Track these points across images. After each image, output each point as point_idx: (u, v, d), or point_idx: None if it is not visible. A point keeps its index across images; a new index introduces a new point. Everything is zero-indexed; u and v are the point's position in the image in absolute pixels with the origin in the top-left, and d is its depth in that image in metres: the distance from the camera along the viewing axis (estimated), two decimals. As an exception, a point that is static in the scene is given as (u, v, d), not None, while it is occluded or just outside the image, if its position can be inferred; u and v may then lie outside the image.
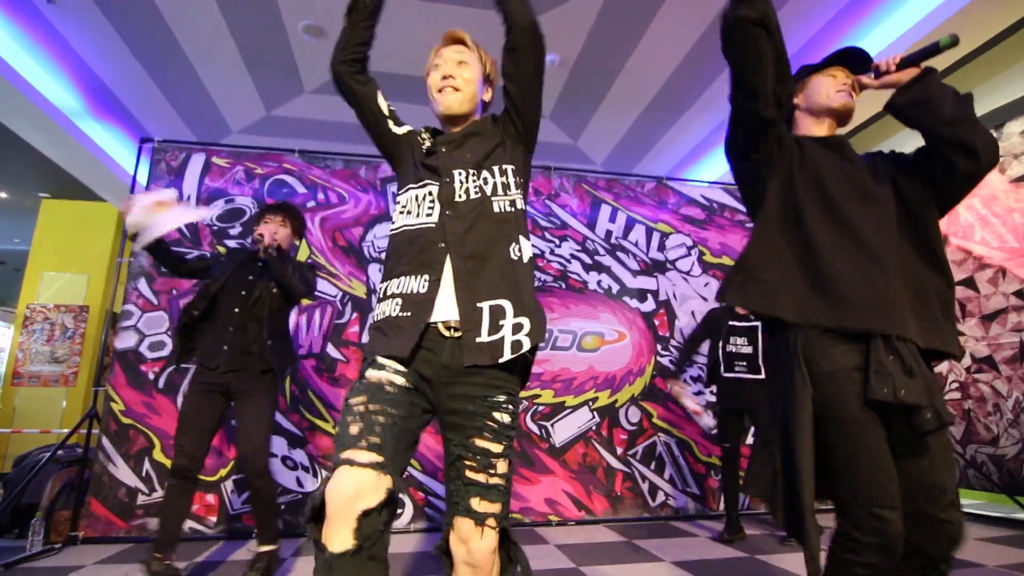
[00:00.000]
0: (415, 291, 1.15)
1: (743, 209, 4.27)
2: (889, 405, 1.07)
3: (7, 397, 5.89)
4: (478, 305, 1.13)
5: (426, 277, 1.16)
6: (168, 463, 3.13)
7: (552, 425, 3.64)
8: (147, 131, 5.19)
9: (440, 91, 1.34)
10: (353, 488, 0.96)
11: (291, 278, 2.36)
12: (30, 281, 6.14)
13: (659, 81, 4.65)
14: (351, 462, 0.99)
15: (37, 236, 6.29)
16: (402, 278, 1.19)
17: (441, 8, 3.88)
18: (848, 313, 1.13)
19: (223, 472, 3.21)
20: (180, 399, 3.18)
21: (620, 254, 4.03)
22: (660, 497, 3.68)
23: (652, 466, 3.73)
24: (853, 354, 1.12)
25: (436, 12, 3.91)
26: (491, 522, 1.06)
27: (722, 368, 3.19)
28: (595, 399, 3.74)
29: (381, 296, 1.23)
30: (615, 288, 3.96)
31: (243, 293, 2.38)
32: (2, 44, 3.94)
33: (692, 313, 4.01)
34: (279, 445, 3.29)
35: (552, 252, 3.93)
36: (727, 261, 4.15)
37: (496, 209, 1.22)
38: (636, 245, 4.07)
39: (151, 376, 3.26)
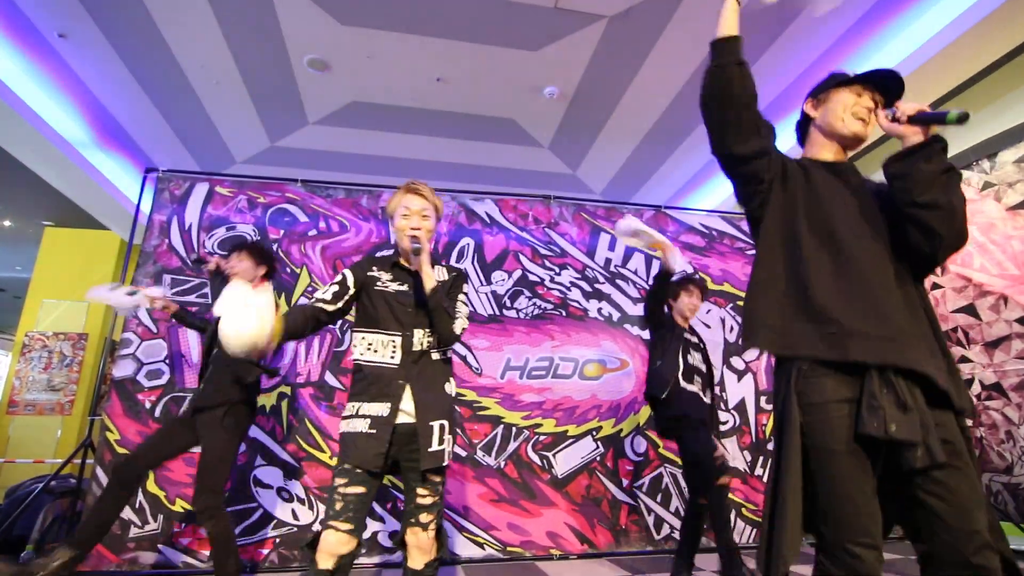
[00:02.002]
0: (380, 415, 1.67)
1: (743, 237, 4.30)
2: (870, 440, 1.05)
3: (1, 426, 5.82)
4: (430, 424, 1.68)
5: (388, 405, 1.68)
6: (162, 494, 3.08)
7: (554, 455, 3.58)
8: (152, 161, 5.27)
9: (405, 235, 1.78)
10: (335, 543, 1.57)
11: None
12: (30, 309, 6.14)
13: (657, 111, 4.74)
14: (335, 528, 1.57)
15: (39, 264, 6.32)
16: (370, 404, 1.70)
17: (439, 43, 3.98)
18: (841, 345, 1.11)
19: (218, 504, 3.14)
20: (176, 429, 3.14)
21: (620, 282, 4.03)
22: (665, 530, 3.59)
23: (658, 498, 3.65)
24: (846, 387, 1.10)
25: (434, 47, 4.01)
26: (432, 524, 1.67)
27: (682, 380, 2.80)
28: (599, 428, 3.69)
29: (354, 414, 1.70)
30: (616, 316, 3.95)
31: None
32: (12, 76, 4.03)
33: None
34: (275, 476, 3.23)
35: (552, 280, 3.93)
36: (728, 288, 4.15)
37: (434, 358, 1.78)
38: (636, 273, 4.07)
39: (147, 405, 3.23)
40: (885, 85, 1.34)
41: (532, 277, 3.90)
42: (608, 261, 4.06)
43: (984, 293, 3.64)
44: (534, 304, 3.85)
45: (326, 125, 4.97)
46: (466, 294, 1.88)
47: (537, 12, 3.68)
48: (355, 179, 4.61)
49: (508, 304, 3.81)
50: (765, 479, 3.77)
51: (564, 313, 3.88)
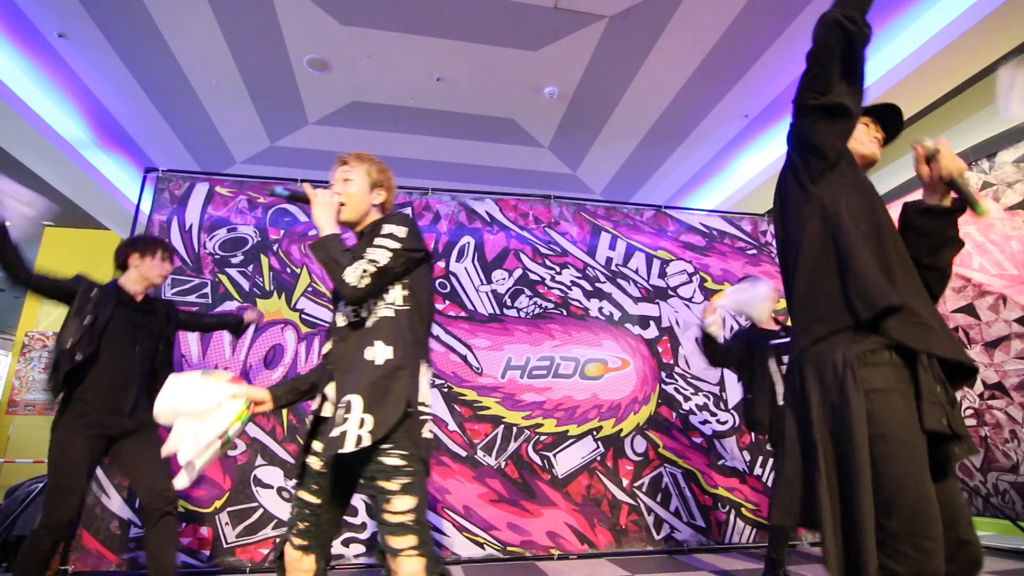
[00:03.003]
0: (313, 408, 1.46)
1: (743, 237, 4.30)
2: (933, 435, 1.04)
3: (1, 426, 5.82)
4: (338, 406, 1.34)
5: (320, 398, 1.45)
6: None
7: (554, 456, 3.58)
8: (152, 161, 5.27)
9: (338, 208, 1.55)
10: (290, 560, 1.36)
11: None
12: (30, 308, 6.13)
13: (657, 111, 4.75)
14: (290, 543, 1.36)
15: (39, 264, 6.30)
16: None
17: (439, 43, 3.98)
18: (924, 336, 1.10)
19: (218, 503, 3.15)
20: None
21: (621, 281, 4.03)
22: (665, 530, 3.59)
23: (658, 498, 3.65)
24: (902, 379, 1.08)
25: (434, 47, 4.01)
26: (407, 552, 1.25)
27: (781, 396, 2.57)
28: (599, 428, 3.69)
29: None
30: (616, 315, 3.95)
31: (138, 332, 2.33)
32: (12, 76, 4.03)
33: (696, 340, 3.99)
34: (275, 476, 3.23)
35: (553, 279, 3.93)
36: (729, 287, 4.15)
37: (368, 325, 1.43)
38: (636, 272, 4.08)
39: (148, 405, 3.22)
40: (886, 116, 1.42)
41: (533, 276, 3.90)
42: (609, 260, 4.07)
43: (983, 293, 3.65)
44: (535, 303, 3.85)
45: (326, 125, 4.97)
46: (392, 236, 1.41)
47: (537, 12, 3.68)
48: (355, 179, 4.62)
49: (509, 303, 3.81)
50: (767, 478, 3.77)
51: (565, 312, 3.88)
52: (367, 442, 1.26)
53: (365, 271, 1.34)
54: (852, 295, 1.13)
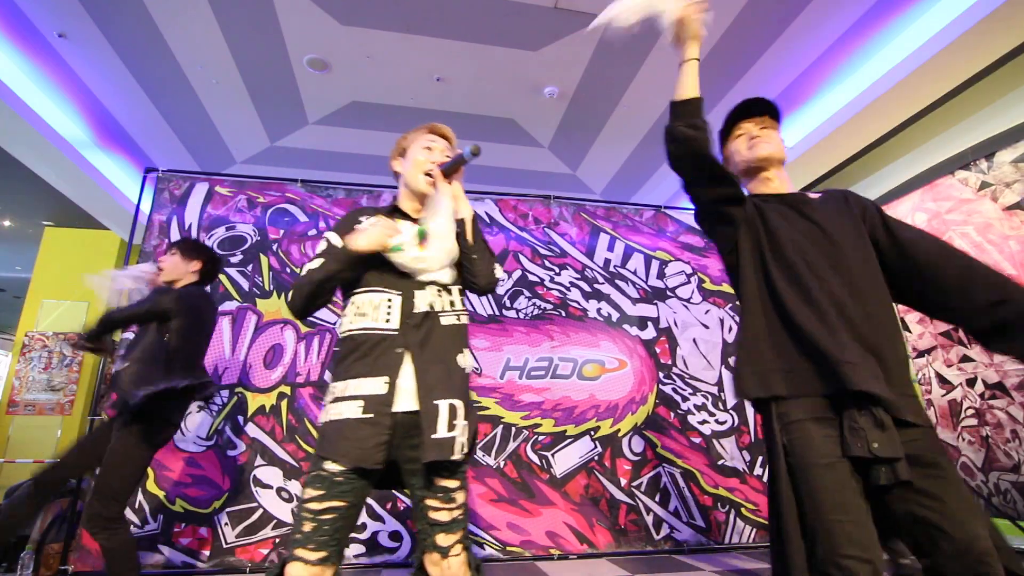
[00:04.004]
0: (375, 393, 1.27)
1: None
2: (866, 460, 1.07)
3: (1, 426, 5.83)
4: (435, 403, 1.27)
5: (385, 379, 1.28)
6: (162, 494, 3.08)
7: (553, 455, 3.58)
8: (152, 161, 5.27)
9: (423, 172, 1.47)
10: None
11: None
12: (30, 308, 6.14)
13: (657, 111, 4.75)
14: (303, 560, 1.16)
15: (39, 264, 6.32)
16: (361, 380, 1.29)
17: (439, 43, 3.98)
18: (814, 381, 1.14)
19: (217, 504, 3.15)
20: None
21: (619, 282, 4.03)
22: (665, 530, 3.60)
23: (657, 498, 3.66)
24: (821, 408, 1.13)
25: (434, 47, 4.01)
26: (455, 549, 1.24)
27: None
28: (597, 428, 3.70)
29: (341, 395, 1.30)
30: (615, 316, 3.96)
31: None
32: (12, 76, 4.03)
33: (694, 341, 3.99)
34: (275, 476, 3.24)
35: (552, 280, 3.94)
36: (727, 289, 4.15)
37: (444, 323, 1.38)
38: (635, 273, 4.08)
39: (148, 405, 3.23)
40: (757, 108, 1.43)
41: (532, 277, 3.90)
42: (607, 261, 4.07)
43: (983, 293, 3.65)
44: (534, 304, 3.85)
45: (326, 125, 4.97)
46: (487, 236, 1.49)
47: (537, 12, 3.68)
48: (355, 179, 4.61)
49: (508, 304, 3.82)
50: (767, 478, 3.78)
51: (563, 313, 3.88)
52: (466, 451, 1.28)
53: (501, 271, 1.42)
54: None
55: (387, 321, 1.32)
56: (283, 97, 4.57)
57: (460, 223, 1.42)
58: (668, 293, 4.07)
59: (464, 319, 1.43)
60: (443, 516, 1.25)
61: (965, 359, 3.75)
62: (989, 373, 3.60)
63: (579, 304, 3.93)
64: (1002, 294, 1.15)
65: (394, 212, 1.50)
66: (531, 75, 4.33)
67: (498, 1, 3.60)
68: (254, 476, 3.23)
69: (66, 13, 3.63)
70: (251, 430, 3.29)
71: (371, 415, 1.24)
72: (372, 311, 1.34)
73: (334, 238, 1.40)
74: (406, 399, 1.27)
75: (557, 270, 3.96)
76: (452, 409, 1.27)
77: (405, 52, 4.06)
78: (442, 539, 1.24)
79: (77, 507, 3.02)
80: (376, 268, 1.37)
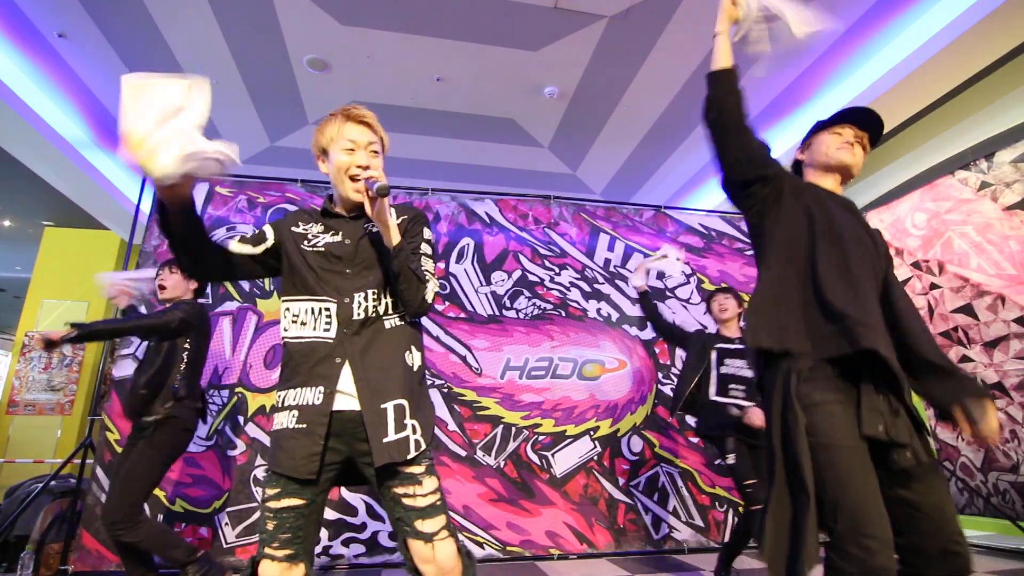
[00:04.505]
0: (311, 403, 1.26)
1: (742, 237, 4.30)
2: (879, 445, 1.12)
3: (1, 426, 5.83)
4: (381, 406, 1.26)
5: (321, 389, 1.27)
6: (162, 494, 3.08)
7: (553, 455, 3.58)
8: (152, 161, 5.26)
9: (352, 179, 1.36)
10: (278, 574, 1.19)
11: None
12: (30, 308, 6.14)
13: (657, 111, 4.75)
14: (271, 557, 1.19)
15: (39, 264, 6.32)
16: (298, 389, 1.29)
17: (439, 43, 3.98)
18: (830, 340, 1.19)
19: (217, 504, 3.15)
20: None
21: (619, 282, 4.04)
22: (664, 529, 3.60)
23: (655, 497, 3.66)
24: (842, 391, 1.17)
25: (434, 47, 4.01)
26: (441, 535, 1.23)
27: (714, 390, 2.83)
28: (596, 428, 3.70)
29: (279, 405, 1.31)
30: (615, 316, 3.96)
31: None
32: (12, 76, 4.03)
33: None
34: (276, 476, 3.23)
35: (552, 280, 3.94)
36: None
37: (388, 326, 1.35)
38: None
39: (148, 405, 3.23)
40: (864, 120, 1.45)
41: (532, 277, 3.90)
42: (607, 261, 4.07)
43: (982, 293, 3.65)
44: (534, 304, 3.86)
45: (326, 125, 4.97)
46: (429, 242, 1.42)
47: (537, 12, 3.68)
48: (355, 179, 4.61)
49: (508, 304, 3.82)
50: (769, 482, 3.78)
51: (563, 313, 3.89)
52: (423, 447, 1.28)
53: (435, 293, 1.36)
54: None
55: (325, 330, 1.31)
56: (283, 97, 4.58)
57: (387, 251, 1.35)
58: (667, 293, 4.07)
59: (406, 319, 1.39)
60: (417, 501, 1.24)
61: (964, 359, 3.75)
62: (988, 373, 3.60)
63: (579, 304, 3.93)
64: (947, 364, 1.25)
65: (325, 215, 1.44)
66: (531, 75, 4.33)
67: (498, 1, 3.61)
68: (254, 476, 3.23)
69: (66, 13, 3.63)
70: (251, 430, 3.30)
71: (304, 425, 1.25)
72: (310, 319, 1.32)
73: (268, 229, 1.42)
74: (348, 403, 1.27)
75: (557, 270, 3.96)
76: (399, 409, 1.27)
77: (405, 52, 4.06)
78: (421, 524, 1.22)
79: (77, 507, 3.02)
80: (312, 275, 1.34)
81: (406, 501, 1.24)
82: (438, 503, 1.26)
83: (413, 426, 1.27)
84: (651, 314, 3.09)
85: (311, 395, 1.26)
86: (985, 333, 3.62)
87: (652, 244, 4.17)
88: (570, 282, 3.96)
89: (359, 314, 1.32)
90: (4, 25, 3.73)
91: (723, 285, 3.65)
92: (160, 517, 3.07)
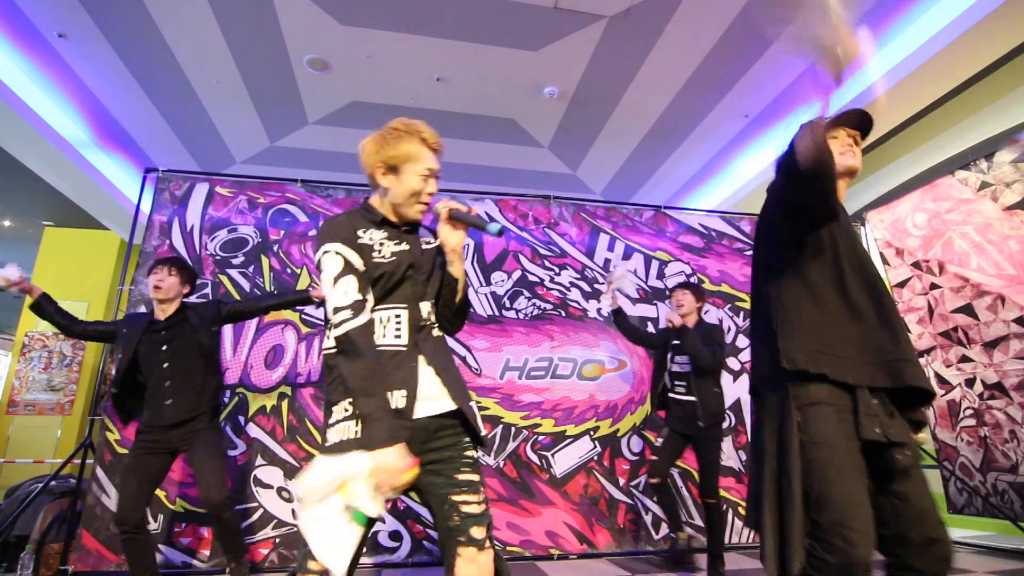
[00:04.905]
0: (394, 407, 1.24)
1: (741, 237, 4.30)
2: (871, 444, 1.18)
3: (1, 426, 5.83)
4: (469, 404, 1.34)
5: (403, 393, 1.26)
6: (163, 495, 3.08)
7: (553, 455, 3.58)
8: (152, 161, 5.27)
9: (419, 202, 1.38)
10: None
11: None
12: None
13: (657, 111, 4.75)
14: (312, 571, 1.15)
15: (39, 264, 6.32)
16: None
17: (439, 43, 3.98)
18: (846, 368, 1.24)
19: (218, 504, 3.15)
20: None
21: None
22: (663, 530, 3.60)
23: (655, 497, 3.65)
24: (837, 396, 1.23)
25: (434, 47, 4.01)
26: (487, 543, 1.25)
27: (670, 386, 3.09)
28: (596, 428, 3.70)
29: (346, 416, 1.26)
30: (615, 316, 3.96)
31: (164, 349, 2.52)
32: (12, 76, 4.03)
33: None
34: (275, 476, 3.24)
35: (552, 280, 3.94)
36: (726, 289, 4.16)
37: (436, 335, 1.39)
38: (635, 273, 4.08)
39: (148, 405, 3.23)
40: (856, 120, 1.46)
41: (532, 277, 3.90)
42: (607, 261, 4.07)
43: (982, 293, 3.65)
44: (533, 304, 3.86)
45: (326, 125, 4.97)
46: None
47: (537, 12, 3.68)
48: (355, 179, 4.60)
49: (507, 305, 3.82)
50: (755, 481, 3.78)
51: (563, 313, 3.89)
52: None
53: None
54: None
55: (396, 337, 1.30)
56: (283, 97, 4.57)
57: (454, 280, 1.38)
58: (667, 294, 4.07)
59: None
60: (474, 508, 1.25)
61: (964, 359, 3.75)
62: (988, 373, 3.60)
63: (579, 304, 3.93)
64: None
65: (385, 224, 1.38)
66: (531, 75, 4.33)
67: (498, 1, 3.61)
68: (255, 476, 3.23)
69: (66, 13, 3.63)
70: (252, 430, 3.30)
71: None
72: (380, 326, 1.30)
73: (351, 255, 1.29)
74: (428, 408, 1.27)
75: (557, 270, 3.96)
76: (474, 409, 1.35)
77: (405, 52, 4.06)
78: (476, 532, 1.23)
79: (77, 507, 3.02)
80: (384, 283, 1.31)
81: (464, 508, 1.24)
82: (487, 510, 1.29)
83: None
84: (625, 330, 3.37)
85: (393, 400, 1.24)
86: (985, 333, 3.62)
87: (652, 244, 4.17)
88: (570, 282, 3.96)
89: (425, 320, 1.35)
90: (4, 25, 3.73)
91: (682, 281, 3.67)
92: (161, 517, 3.07)
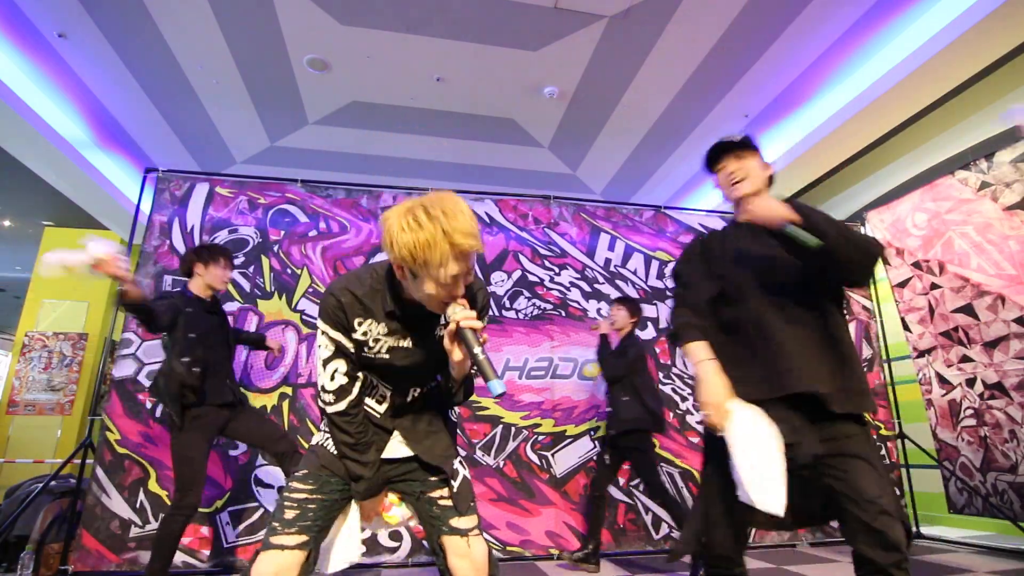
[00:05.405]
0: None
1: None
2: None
3: (1, 426, 5.83)
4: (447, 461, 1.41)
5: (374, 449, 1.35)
6: (163, 494, 3.08)
7: (553, 455, 3.58)
8: (152, 161, 5.27)
9: (442, 303, 1.18)
10: (277, 568, 1.18)
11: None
12: (30, 308, 6.14)
13: (656, 111, 4.75)
14: (281, 547, 1.19)
15: (39, 264, 6.32)
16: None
17: (439, 43, 3.98)
18: (746, 388, 1.36)
19: (219, 503, 3.15)
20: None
21: (619, 282, 4.04)
22: (664, 529, 3.60)
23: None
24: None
25: (434, 47, 4.01)
26: (474, 532, 1.30)
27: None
28: (596, 428, 3.70)
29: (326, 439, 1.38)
30: (615, 316, 3.95)
31: (221, 328, 2.64)
32: (12, 76, 4.03)
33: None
34: (275, 476, 3.24)
35: (552, 280, 3.94)
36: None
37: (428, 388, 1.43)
38: (635, 273, 4.08)
39: (148, 405, 3.23)
40: (731, 146, 1.51)
41: (532, 277, 3.90)
42: (608, 261, 4.07)
43: (982, 293, 3.65)
44: (533, 304, 3.86)
45: (326, 125, 4.97)
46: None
47: (537, 12, 3.68)
48: (355, 179, 4.62)
49: (507, 305, 3.82)
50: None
51: (563, 313, 3.89)
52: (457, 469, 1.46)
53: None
54: None
55: (378, 403, 1.38)
56: (283, 97, 4.57)
57: (453, 380, 1.35)
58: (668, 293, 4.07)
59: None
60: (449, 503, 1.33)
61: (965, 359, 3.75)
62: (988, 373, 3.60)
63: (579, 304, 3.93)
64: None
65: (390, 317, 1.27)
66: (531, 75, 4.33)
67: (498, 1, 3.61)
68: (255, 476, 3.23)
69: (66, 13, 3.63)
70: (251, 430, 3.29)
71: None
72: (367, 384, 1.36)
73: (342, 341, 1.27)
74: (400, 453, 1.38)
75: (557, 270, 3.96)
76: (459, 465, 1.44)
77: (405, 52, 4.06)
78: (457, 521, 1.30)
79: (77, 507, 3.02)
80: (371, 376, 1.37)
81: (442, 502, 1.33)
82: (472, 505, 1.35)
83: (462, 462, 1.45)
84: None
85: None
86: (985, 333, 3.62)
87: (652, 244, 4.17)
88: (570, 282, 3.96)
89: (411, 398, 1.40)
90: (4, 25, 3.73)
91: (621, 295, 3.67)
92: (161, 515, 3.06)
